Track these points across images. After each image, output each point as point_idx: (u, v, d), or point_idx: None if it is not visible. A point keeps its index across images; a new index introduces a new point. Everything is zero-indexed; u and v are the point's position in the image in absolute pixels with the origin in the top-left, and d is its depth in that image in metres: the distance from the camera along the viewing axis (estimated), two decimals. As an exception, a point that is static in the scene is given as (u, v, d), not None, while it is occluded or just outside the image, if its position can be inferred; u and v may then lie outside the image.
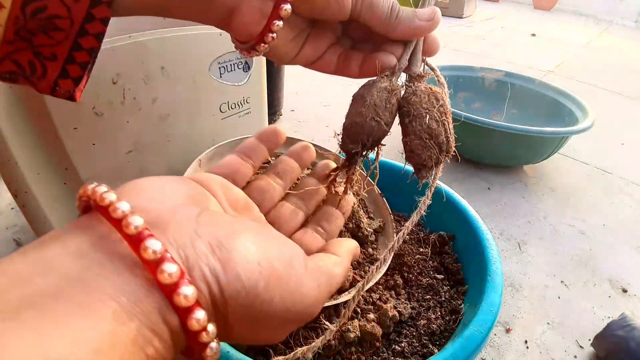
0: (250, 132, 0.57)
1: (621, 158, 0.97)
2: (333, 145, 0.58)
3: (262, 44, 0.24)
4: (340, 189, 0.30)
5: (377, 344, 0.38)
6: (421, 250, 0.50)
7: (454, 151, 0.25)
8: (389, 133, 0.26)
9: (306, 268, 0.18)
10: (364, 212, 0.48)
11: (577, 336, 0.51)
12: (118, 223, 0.14)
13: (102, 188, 0.15)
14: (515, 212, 0.74)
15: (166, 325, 0.14)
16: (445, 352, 0.33)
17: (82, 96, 0.41)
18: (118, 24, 0.63)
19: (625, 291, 0.58)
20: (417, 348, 0.38)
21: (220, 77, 0.53)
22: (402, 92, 0.26)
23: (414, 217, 0.24)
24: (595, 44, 2.24)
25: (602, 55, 1.99)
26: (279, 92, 0.98)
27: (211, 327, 0.14)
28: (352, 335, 0.37)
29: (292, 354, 0.25)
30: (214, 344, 0.15)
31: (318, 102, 1.12)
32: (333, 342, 0.37)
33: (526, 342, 0.50)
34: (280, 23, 0.23)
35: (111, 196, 0.14)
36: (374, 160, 0.28)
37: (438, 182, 0.25)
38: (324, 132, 0.94)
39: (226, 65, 0.53)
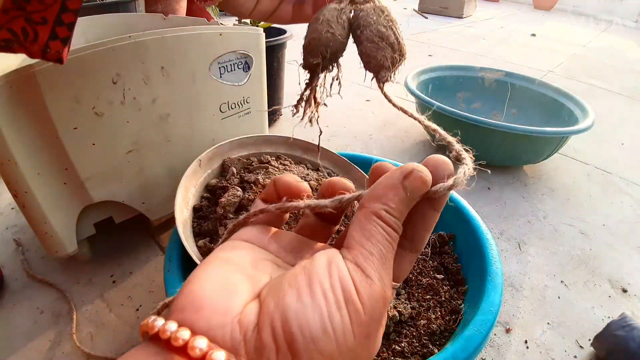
0: (250, 132, 0.57)
1: (621, 158, 0.97)
2: (333, 145, 0.59)
3: None
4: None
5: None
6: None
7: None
8: (345, 46, 0.28)
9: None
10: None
11: (577, 336, 0.51)
12: (183, 350, 0.15)
13: (159, 321, 0.16)
14: (515, 212, 0.74)
15: None
16: (445, 352, 0.33)
17: (82, 96, 0.41)
18: (118, 24, 0.63)
19: (625, 291, 0.58)
20: (417, 348, 0.38)
21: (220, 77, 0.53)
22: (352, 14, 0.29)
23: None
24: (595, 44, 2.24)
25: (602, 55, 1.99)
26: (279, 92, 0.98)
27: None
28: (352, 335, 0.37)
29: None
30: None
31: (318, 102, 1.11)
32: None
33: (526, 342, 0.50)
34: None
35: (171, 326, 0.15)
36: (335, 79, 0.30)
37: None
38: (324, 132, 0.94)
39: (226, 65, 0.53)
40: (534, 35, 2.32)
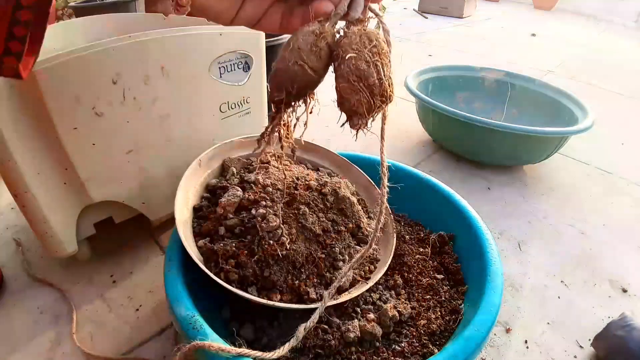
0: (250, 132, 0.57)
1: (621, 158, 0.97)
2: (333, 145, 0.59)
3: None
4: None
5: (377, 344, 0.38)
6: (421, 250, 0.50)
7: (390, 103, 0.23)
8: (320, 81, 0.23)
9: None
10: (364, 212, 0.48)
11: (577, 336, 0.51)
12: None
13: None
14: (515, 212, 0.74)
15: None
16: (445, 352, 0.33)
17: (82, 96, 0.41)
18: (118, 24, 0.63)
19: (625, 291, 0.58)
20: (417, 348, 0.38)
21: (220, 77, 0.53)
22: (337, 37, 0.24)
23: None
24: (595, 44, 2.24)
25: (602, 55, 1.98)
26: (279, 92, 0.98)
27: None
28: (352, 335, 0.37)
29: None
30: None
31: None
32: (333, 342, 0.37)
33: (526, 342, 0.50)
34: None
35: None
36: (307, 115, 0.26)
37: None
38: (324, 132, 0.94)
39: (226, 65, 0.53)
40: (534, 35, 2.32)
